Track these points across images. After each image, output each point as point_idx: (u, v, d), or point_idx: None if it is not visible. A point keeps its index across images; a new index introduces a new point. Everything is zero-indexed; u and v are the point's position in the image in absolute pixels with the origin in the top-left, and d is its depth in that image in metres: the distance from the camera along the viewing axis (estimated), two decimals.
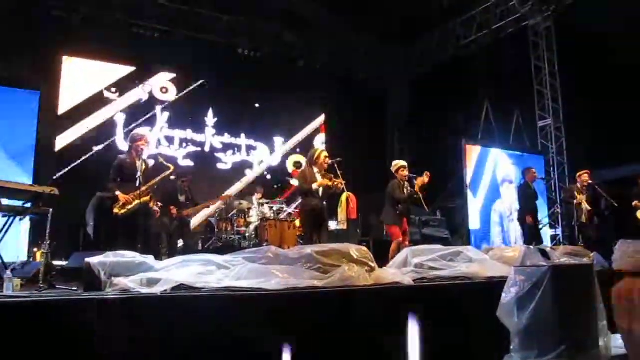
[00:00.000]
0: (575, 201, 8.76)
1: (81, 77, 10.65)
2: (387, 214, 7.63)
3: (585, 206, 8.69)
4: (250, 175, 12.55)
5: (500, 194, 11.34)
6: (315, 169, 6.81)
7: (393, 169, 7.80)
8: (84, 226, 7.90)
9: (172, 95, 11.70)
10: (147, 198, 6.28)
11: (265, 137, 12.88)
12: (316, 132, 13.74)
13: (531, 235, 8.88)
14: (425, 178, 7.48)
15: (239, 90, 12.10)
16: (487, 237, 10.85)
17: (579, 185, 8.94)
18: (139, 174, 6.24)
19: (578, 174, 9.07)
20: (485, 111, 12.54)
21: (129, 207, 6.10)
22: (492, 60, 11.88)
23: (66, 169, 10.14)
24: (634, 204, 8.62)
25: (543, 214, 10.78)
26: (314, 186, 6.63)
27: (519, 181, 10.14)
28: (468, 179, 10.84)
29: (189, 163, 11.61)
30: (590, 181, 8.84)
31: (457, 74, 12.39)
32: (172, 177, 9.06)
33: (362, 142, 12.95)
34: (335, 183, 6.71)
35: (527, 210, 9.06)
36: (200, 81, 11.78)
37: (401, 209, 7.54)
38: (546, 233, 11.28)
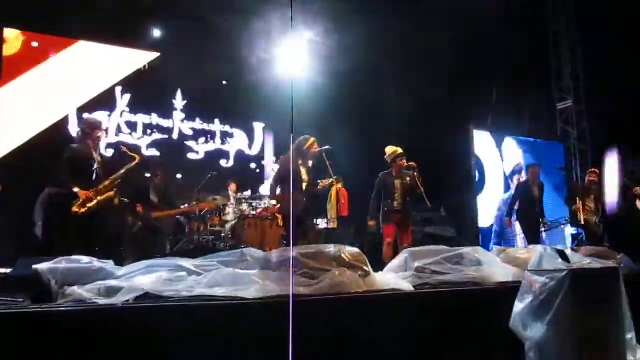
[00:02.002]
0: (575, 206, 8.90)
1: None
2: (381, 211, 7.82)
3: (589, 210, 8.96)
4: (226, 165, 12.62)
5: (510, 187, 11.53)
6: (301, 160, 6.93)
7: (388, 158, 7.87)
8: (30, 227, 7.81)
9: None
10: (111, 194, 6.23)
11: (243, 122, 12.96)
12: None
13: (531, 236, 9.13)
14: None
15: (212, 66, 12.03)
16: (498, 236, 10.96)
17: (586, 183, 9.11)
18: (95, 166, 6.19)
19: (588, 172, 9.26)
20: (497, 92, 12.58)
21: (90, 205, 6.05)
22: (502, 30, 11.99)
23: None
24: (634, 190, 8.94)
25: (559, 213, 10.81)
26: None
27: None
28: (477, 170, 11.09)
29: (154, 153, 11.55)
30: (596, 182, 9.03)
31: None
32: (147, 175, 9.07)
33: (356, 130, 12.97)
34: (323, 184, 6.84)
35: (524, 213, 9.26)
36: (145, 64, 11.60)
37: (393, 204, 7.67)
38: (566, 232, 11.42)
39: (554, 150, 11.50)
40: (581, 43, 11.71)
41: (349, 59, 12.11)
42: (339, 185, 8.16)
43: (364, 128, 13.41)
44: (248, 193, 10.74)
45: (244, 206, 10.21)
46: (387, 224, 7.64)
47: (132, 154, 6.59)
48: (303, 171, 7.00)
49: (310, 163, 7.08)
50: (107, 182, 6.19)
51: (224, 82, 12.63)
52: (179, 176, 11.64)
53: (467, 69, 12.24)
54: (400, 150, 7.84)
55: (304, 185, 6.88)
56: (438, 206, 11.35)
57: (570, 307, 3.40)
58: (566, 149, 11.91)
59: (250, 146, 13.13)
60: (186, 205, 9.76)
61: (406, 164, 7.80)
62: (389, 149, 7.93)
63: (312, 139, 7.00)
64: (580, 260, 5.42)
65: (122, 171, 6.46)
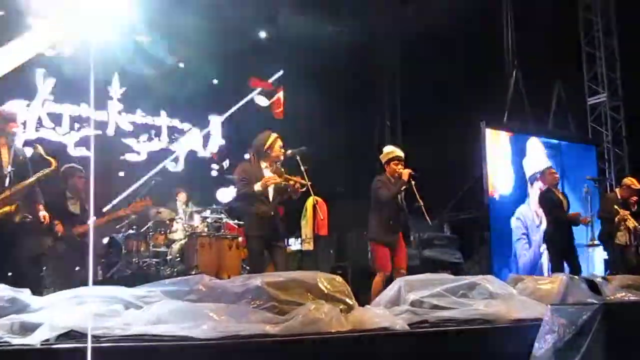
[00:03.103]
0: (617, 217, 9.06)
1: None
2: (371, 225, 7.80)
3: (631, 223, 9.06)
4: (174, 169, 12.63)
5: (527, 195, 11.64)
6: (264, 163, 6.91)
7: (383, 159, 7.91)
8: None
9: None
10: (10, 208, 6.13)
11: (195, 115, 13.00)
12: (272, 106, 13.98)
13: (556, 262, 9.17)
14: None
15: (159, 43, 12.00)
16: (516, 262, 11.08)
17: (619, 195, 9.26)
18: (9, 169, 6.12)
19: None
20: (514, 83, 12.71)
21: None
22: (523, 12, 12.10)
23: None
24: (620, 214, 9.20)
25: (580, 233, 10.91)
26: (256, 187, 6.75)
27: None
28: (490, 177, 11.01)
29: (83, 152, 11.46)
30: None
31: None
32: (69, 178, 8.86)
33: (338, 126, 13.13)
34: (291, 182, 6.80)
35: (554, 226, 9.28)
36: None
37: (391, 218, 7.66)
38: (596, 257, 11.51)
39: (584, 155, 11.54)
40: (618, 23, 11.82)
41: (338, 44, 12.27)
42: (316, 198, 8.14)
43: (351, 126, 13.61)
44: (201, 206, 10.73)
45: (196, 221, 10.21)
46: (379, 244, 7.64)
47: (48, 158, 6.50)
48: (268, 174, 6.92)
49: (277, 168, 7.02)
50: (7, 193, 6.08)
51: (180, 64, 12.61)
52: (116, 179, 11.62)
53: (478, 55, 12.45)
54: (398, 152, 7.88)
55: (270, 196, 6.85)
56: (441, 223, 11.63)
57: (601, 349, 3.42)
58: (599, 154, 11.95)
59: (205, 145, 13.14)
60: (113, 208, 9.72)
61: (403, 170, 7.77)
62: (387, 148, 8.03)
63: (274, 136, 6.98)
64: (615, 292, 5.48)
65: (31, 179, 6.37)
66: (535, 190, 11.46)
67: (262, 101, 14.02)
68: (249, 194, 6.78)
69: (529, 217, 11.42)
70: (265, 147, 6.88)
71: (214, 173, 13.08)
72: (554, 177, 9.36)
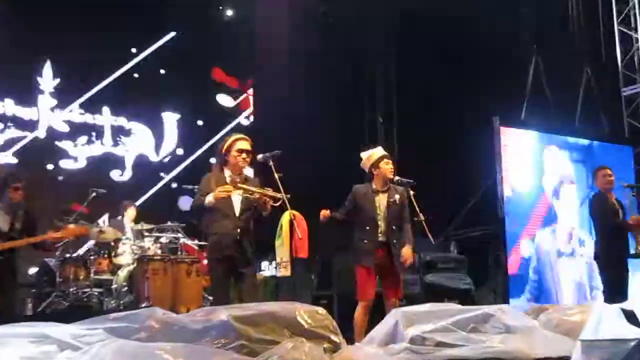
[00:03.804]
0: None
1: None
2: (352, 246, 7.85)
3: None
4: (120, 178, 12.64)
5: (554, 212, 11.67)
6: (228, 172, 6.94)
7: (367, 165, 7.89)
8: None
9: None
10: None
11: (147, 112, 13.05)
12: (238, 108, 14.19)
13: (615, 284, 9.03)
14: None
15: (102, 30, 12.00)
16: (538, 288, 11.12)
17: None
18: None
19: None
20: (533, 71, 12.73)
21: None
22: None
23: None
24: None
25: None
26: (207, 199, 6.76)
27: (589, 192, 10.33)
28: (506, 187, 11.04)
29: (9, 158, 11.44)
30: None
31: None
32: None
33: (320, 125, 13.26)
34: (256, 194, 6.79)
35: (610, 239, 9.14)
36: None
37: (374, 235, 7.64)
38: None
39: (620, 158, 11.58)
40: None
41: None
42: (294, 213, 8.12)
43: (336, 124, 13.72)
44: (154, 223, 10.77)
45: (147, 242, 10.23)
46: (364, 266, 7.60)
47: None
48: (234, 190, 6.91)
49: (245, 177, 7.05)
50: None
51: (133, 50, 12.63)
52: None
53: (489, 36, 12.49)
54: (380, 152, 7.86)
55: (236, 210, 6.88)
56: (446, 242, 11.72)
57: None
58: (636, 156, 11.99)
59: (157, 149, 13.22)
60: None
61: (397, 178, 7.81)
62: (366, 153, 8.00)
63: (235, 136, 7.02)
64: None
65: None
66: (565, 201, 11.58)
67: (226, 101, 14.23)
68: (205, 208, 6.79)
69: (556, 237, 11.55)
70: (223, 150, 6.92)
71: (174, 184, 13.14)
72: (607, 179, 9.16)
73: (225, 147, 6.89)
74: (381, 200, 7.69)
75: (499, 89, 12.39)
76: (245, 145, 6.91)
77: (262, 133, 11.98)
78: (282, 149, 7.24)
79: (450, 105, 12.61)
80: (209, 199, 6.67)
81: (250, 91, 14.38)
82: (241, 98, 14.38)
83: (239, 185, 6.71)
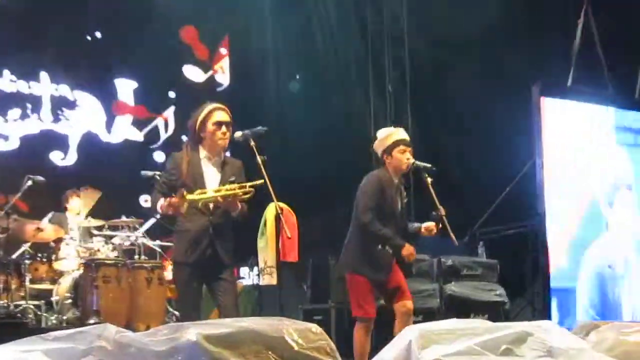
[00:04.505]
0: None
1: None
2: (352, 248, 7.89)
3: None
4: (63, 162, 12.65)
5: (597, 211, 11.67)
6: (204, 152, 6.88)
7: (380, 148, 7.86)
8: None
9: None
10: None
11: (96, 79, 13.00)
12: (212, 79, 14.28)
13: None
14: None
15: None
16: (591, 302, 11.10)
17: None
18: None
19: None
20: (582, 28, 12.62)
21: None
22: None
23: None
24: None
25: None
26: (161, 202, 6.67)
27: None
28: (548, 172, 10.95)
29: None
30: None
31: None
32: None
33: (316, 98, 13.52)
34: (234, 189, 6.68)
35: None
36: None
37: (387, 238, 7.59)
38: None
39: None
40: None
41: None
42: (281, 205, 8.04)
43: (335, 97, 13.94)
44: (106, 218, 10.74)
45: (97, 243, 10.21)
46: (358, 276, 7.68)
47: None
48: (208, 174, 6.89)
49: (222, 159, 6.96)
50: None
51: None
52: None
53: None
54: (402, 134, 7.83)
55: (211, 204, 6.79)
56: (472, 243, 11.76)
57: None
58: None
59: (109, 126, 13.20)
60: None
61: (413, 162, 7.75)
62: (383, 132, 8.04)
63: (210, 107, 6.92)
64: None
65: None
66: (621, 208, 11.63)
67: (195, 75, 14.34)
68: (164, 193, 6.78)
69: (610, 253, 11.59)
70: (197, 124, 6.84)
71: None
72: None
73: (199, 120, 6.82)
74: (399, 196, 7.78)
75: (540, 49, 12.53)
76: (224, 116, 6.85)
77: (240, 104, 11.88)
78: (267, 125, 7.20)
79: (477, 68, 12.73)
80: (162, 202, 6.61)
81: (225, 51, 14.38)
82: (216, 68, 14.46)
83: (187, 196, 6.52)
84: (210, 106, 6.94)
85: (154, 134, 13.72)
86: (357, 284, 7.65)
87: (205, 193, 6.67)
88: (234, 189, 6.64)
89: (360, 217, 7.58)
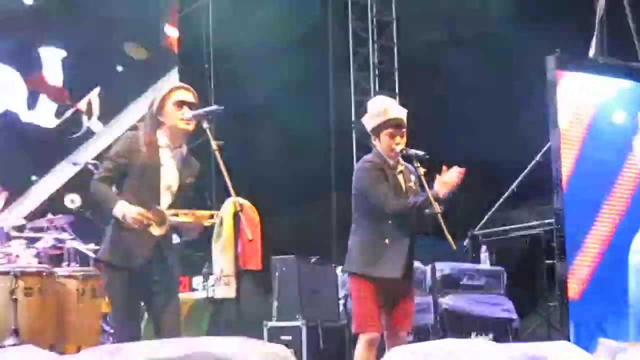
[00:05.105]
0: None
1: None
2: (352, 247, 7.88)
3: None
4: None
5: None
6: (164, 137, 6.86)
7: (370, 123, 7.87)
8: None
9: None
10: None
11: (16, 47, 13.01)
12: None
13: None
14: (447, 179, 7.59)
15: None
16: (618, 317, 11.02)
17: None
18: None
19: None
20: None
21: None
22: None
23: None
24: None
25: None
26: (117, 207, 6.63)
27: None
28: (566, 160, 10.89)
29: None
30: None
31: None
32: None
33: (287, 70, 13.60)
34: (203, 217, 6.87)
35: None
36: None
37: (402, 234, 7.65)
38: None
39: None
40: None
41: None
42: (240, 202, 7.97)
43: (310, 69, 14.17)
44: (30, 217, 11.02)
45: (16, 247, 10.02)
46: (364, 281, 7.63)
47: None
48: (167, 168, 6.84)
49: (184, 155, 6.96)
50: None
51: None
52: None
53: None
54: (396, 110, 7.80)
55: (168, 195, 6.82)
56: (474, 246, 11.81)
57: None
58: None
59: (33, 102, 13.11)
60: None
61: (402, 149, 7.71)
62: (375, 104, 8.06)
63: (173, 84, 7.09)
64: None
65: None
66: None
67: (136, 51, 14.53)
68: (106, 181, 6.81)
69: None
70: (154, 109, 6.83)
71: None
72: None
73: (158, 101, 6.82)
74: (402, 182, 7.81)
75: (556, 16, 12.72)
76: (187, 95, 6.90)
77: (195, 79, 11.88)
78: (225, 105, 7.16)
79: (483, 41, 12.90)
80: (119, 207, 6.54)
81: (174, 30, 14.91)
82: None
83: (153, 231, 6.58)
84: (169, 85, 7.04)
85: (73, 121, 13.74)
86: (360, 290, 7.67)
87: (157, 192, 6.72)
88: (204, 217, 6.80)
89: (376, 205, 7.56)
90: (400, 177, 7.74)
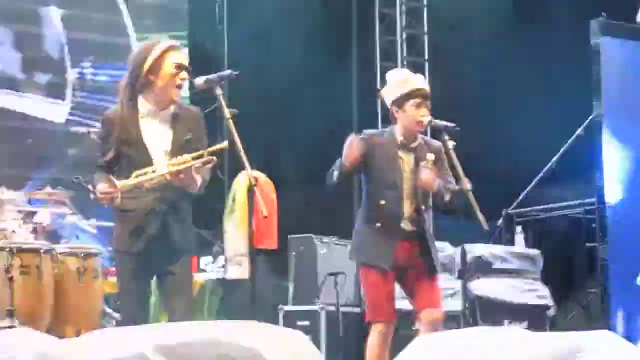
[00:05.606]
0: None
1: None
2: (358, 231, 7.87)
3: None
4: None
5: None
6: (149, 105, 6.52)
7: (390, 95, 7.65)
8: None
9: None
10: None
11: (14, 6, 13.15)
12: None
13: None
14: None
15: None
16: None
17: None
18: None
19: None
20: None
21: None
22: None
23: None
24: None
25: None
26: (99, 186, 6.47)
27: None
28: (608, 134, 10.67)
29: None
30: None
31: None
32: None
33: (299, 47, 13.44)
34: (186, 161, 6.43)
35: None
36: None
37: (398, 212, 7.50)
38: None
39: None
40: None
41: None
42: (255, 175, 7.54)
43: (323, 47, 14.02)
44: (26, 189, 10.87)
45: (11, 221, 9.77)
46: (376, 269, 7.48)
47: None
48: (153, 135, 6.57)
49: (172, 111, 6.64)
50: None
51: None
52: None
53: None
54: (418, 82, 7.62)
55: (159, 167, 6.51)
56: (508, 228, 11.55)
57: None
58: None
59: (31, 67, 13.18)
60: None
61: (430, 120, 7.49)
62: (394, 75, 7.85)
63: (162, 46, 6.56)
64: None
65: None
66: None
67: None
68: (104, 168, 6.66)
69: None
70: (145, 68, 6.43)
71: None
72: None
73: (150, 60, 6.43)
74: (407, 162, 7.58)
75: None
76: (183, 58, 6.68)
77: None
78: (241, 69, 7.03)
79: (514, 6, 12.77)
80: (100, 186, 6.46)
81: None
82: None
83: (120, 184, 6.33)
84: (165, 44, 6.62)
85: None
86: (367, 276, 7.60)
87: (151, 166, 6.41)
88: (187, 160, 6.36)
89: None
90: (404, 159, 7.47)
